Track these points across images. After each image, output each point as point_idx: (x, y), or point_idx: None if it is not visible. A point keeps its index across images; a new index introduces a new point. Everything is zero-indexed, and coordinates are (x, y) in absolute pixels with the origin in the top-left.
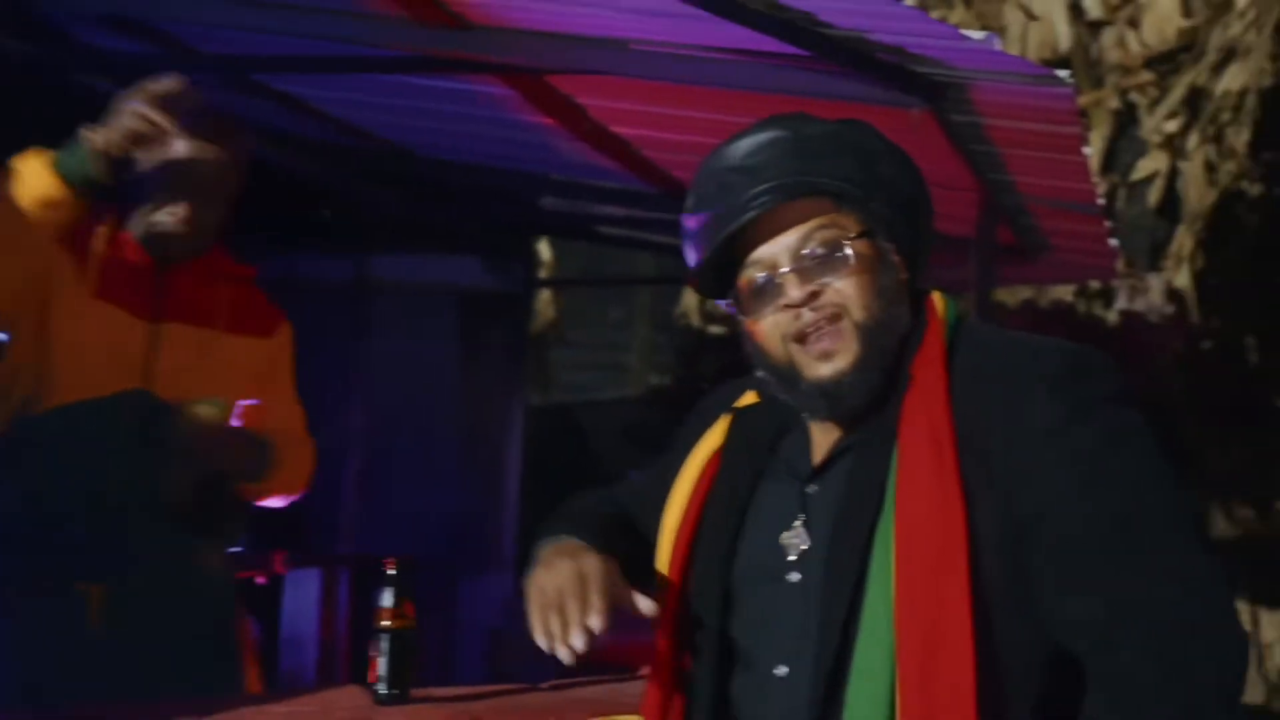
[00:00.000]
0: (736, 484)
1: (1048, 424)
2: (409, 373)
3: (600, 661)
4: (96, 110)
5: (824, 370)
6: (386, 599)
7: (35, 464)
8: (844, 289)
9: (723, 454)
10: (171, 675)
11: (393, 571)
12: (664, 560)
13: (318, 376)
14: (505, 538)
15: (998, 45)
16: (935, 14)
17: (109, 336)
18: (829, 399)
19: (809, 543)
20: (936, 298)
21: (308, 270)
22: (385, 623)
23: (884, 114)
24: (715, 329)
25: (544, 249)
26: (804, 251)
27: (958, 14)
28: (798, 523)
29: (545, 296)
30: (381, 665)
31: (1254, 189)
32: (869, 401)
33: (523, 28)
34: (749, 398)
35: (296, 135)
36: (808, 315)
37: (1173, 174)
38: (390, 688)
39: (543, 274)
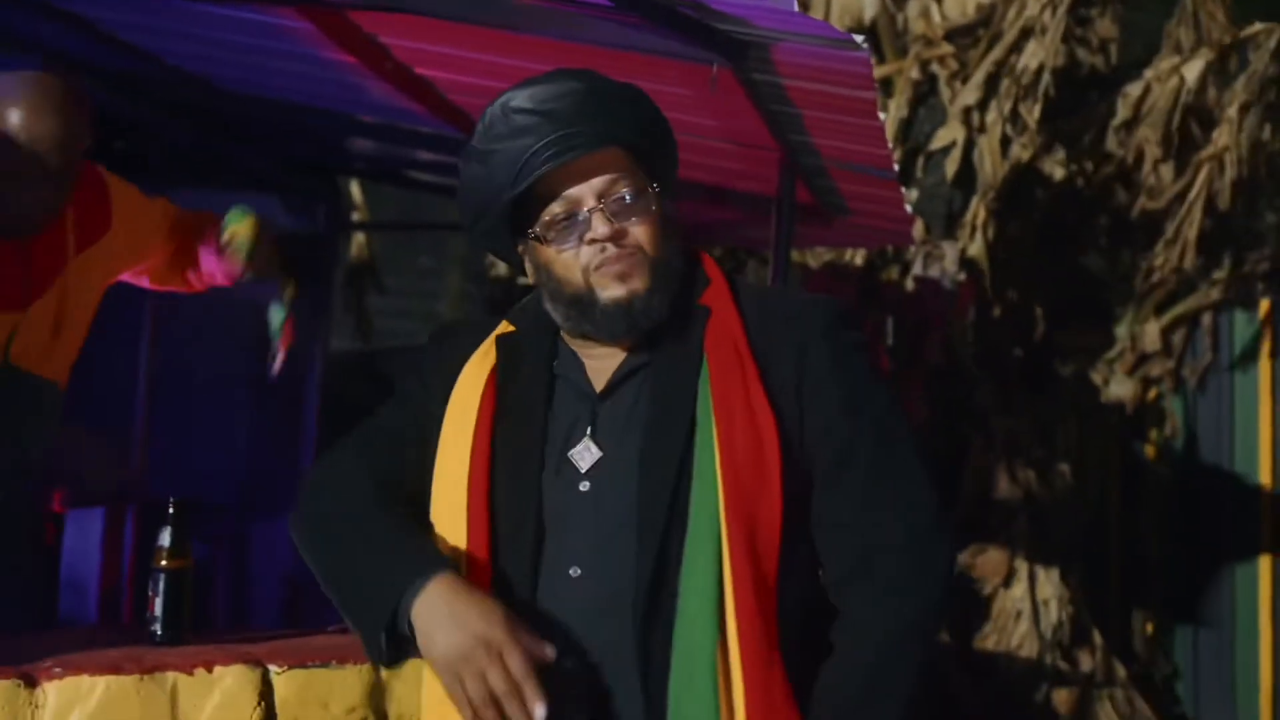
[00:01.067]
0: (530, 400)
1: (827, 363)
2: (203, 313)
3: None
4: None
5: (621, 291)
6: (164, 539)
7: None
8: (642, 232)
9: (499, 377)
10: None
11: (172, 512)
12: (456, 482)
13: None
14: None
15: (795, 7)
16: None
17: None
18: (628, 318)
19: (599, 455)
20: (704, 252)
21: None
22: (163, 562)
23: (685, 69)
24: (524, 279)
25: (356, 192)
26: (613, 195)
27: None
28: (585, 437)
29: (359, 240)
30: (157, 605)
31: (1045, 164)
32: (655, 327)
33: None
34: (505, 327)
35: (84, 60)
36: (611, 250)
37: (969, 145)
38: (165, 628)
39: (356, 217)
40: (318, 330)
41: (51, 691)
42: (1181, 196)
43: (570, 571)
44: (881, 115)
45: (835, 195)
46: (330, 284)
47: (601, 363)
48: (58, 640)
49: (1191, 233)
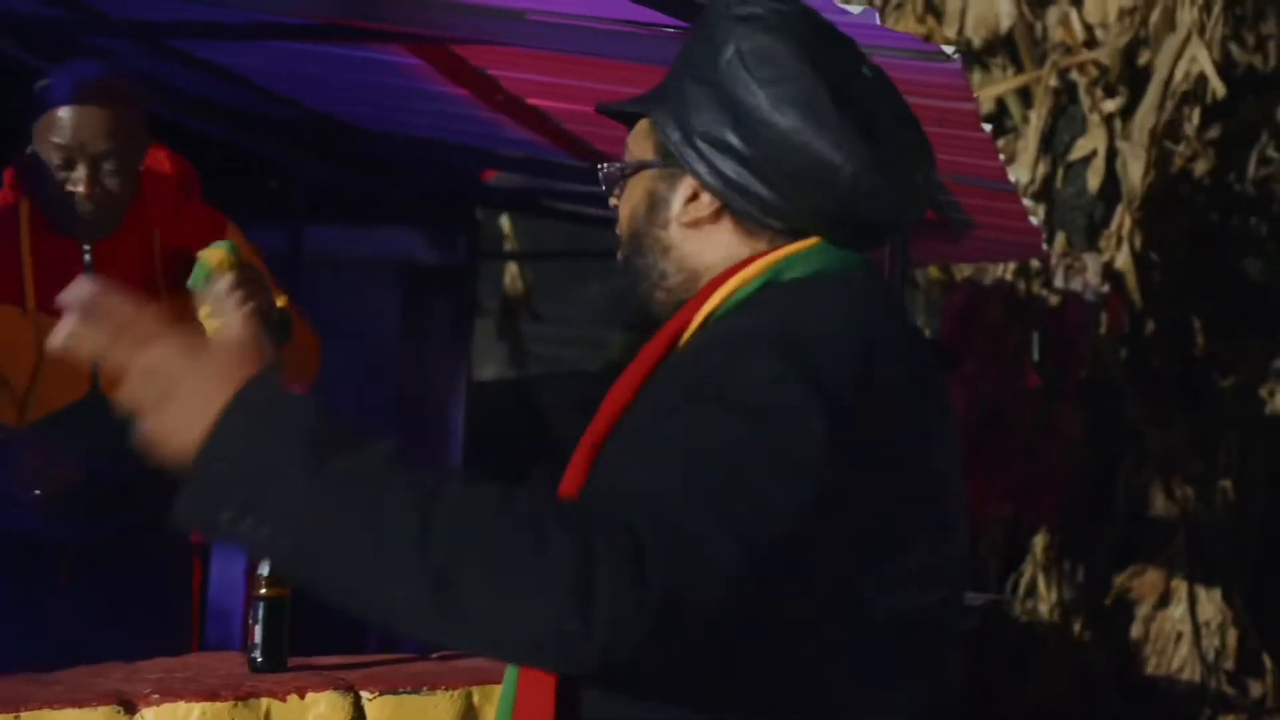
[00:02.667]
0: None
1: (705, 348)
2: (347, 347)
3: None
4: (10, 74)
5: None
6: (265, 568)
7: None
8: (622, 205)
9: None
10: (128, 632)
11: None
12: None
13: None
14: None
15: (876, 20)
16: None
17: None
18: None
19: None
20: (781, 251)
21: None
22: (261, 590)
23: None
24: None
25: (504, 223)
26: (613, 164)
27: None
28: None
29: (514, 270)
30: (257, 633)
31: (1199, 169)
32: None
33: None
34: None
35: (224, 104)
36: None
37: (1111, 153)
38: (265, 656)
39: (506, 247)
40: (459, 360)
41: (150, 717)
42: None
43: None
44: (987, 127)
45: (958, 210)
46: (470, 313)
47: None
48: (167, 666)
49: None
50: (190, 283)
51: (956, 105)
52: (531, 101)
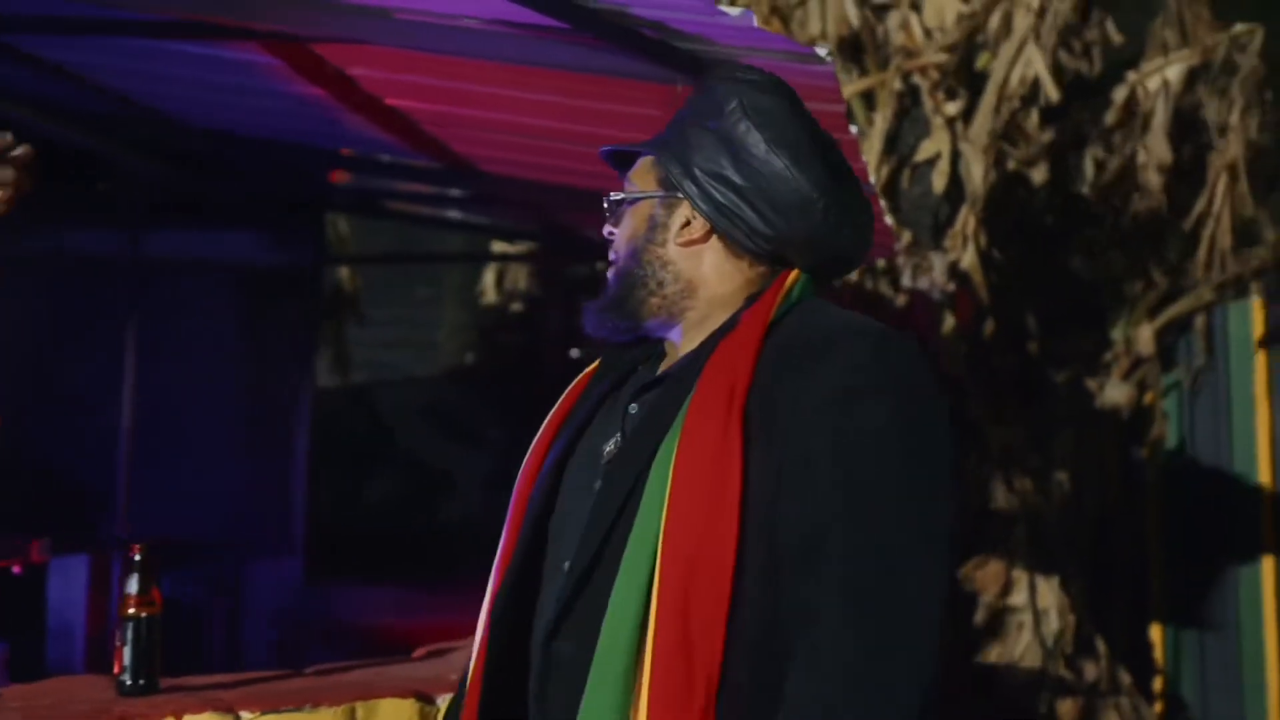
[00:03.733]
0: (581, 408)
1: (826, 396)
2: (188, 352)
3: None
4: None
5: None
6: (132, 585)
7: None
8: (617, 234)
9: (580, 392)
10: None
11: (138, 557)
12: (515, 488)
13: (88, 356)
14: (294, 522)
15: (753, 22)
16: None
17: None
18: (591, 316)
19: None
20: (793, 275)
21: (80, 245)
22: (130, 610)
23: (650, 89)
24: (515, 306)
25: (341, 225)
26: (618, 196)
27: None
28: (617, 436)
29: (345, 274)
30: (126, 654)
31: (1036, 171)
32: (706, 339)
33: None
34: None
35: (61, 103)
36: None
37: (955, 155)
38: (135, 678)
39: (339, 250)
40: (303, 366)
41: None
42: (1184, 206)
43: (564, 564)
44: (853, 129)
45: None
46: (314, 319)
47: (669, 363)
48: (30, 692)
49: (1225, 241)
50: None
51: (827, 107)
52: (390, 102)
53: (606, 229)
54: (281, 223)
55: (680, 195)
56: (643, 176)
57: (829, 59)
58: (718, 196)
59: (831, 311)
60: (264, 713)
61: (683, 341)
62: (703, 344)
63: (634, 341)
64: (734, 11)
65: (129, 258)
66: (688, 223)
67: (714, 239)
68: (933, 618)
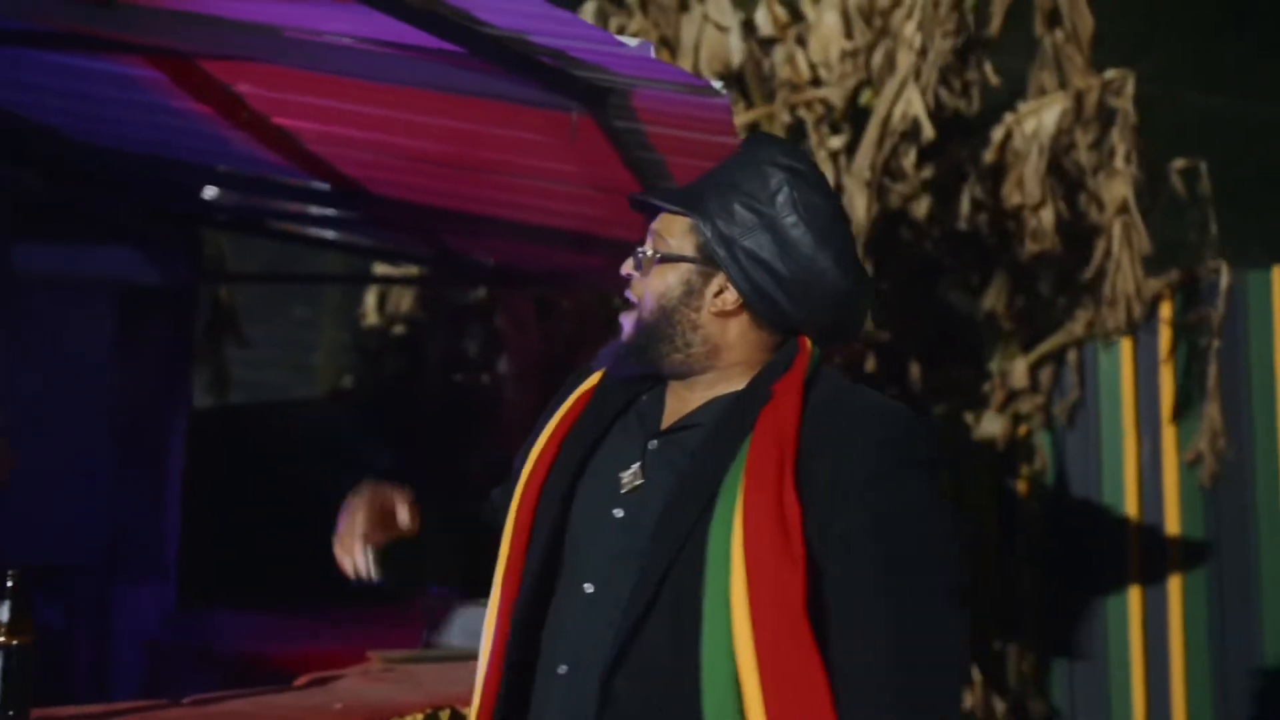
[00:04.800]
0: (586, 431)
1: (866, 474)
2: (59, 370)
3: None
4: None
5: (621, 331)
6: (4, 614)
7: None
8: (641, 286)
9: (584, 409)
10: None
11: (11, 584)
12: (517, 498)
13: None
14: (166, 546)
15: (651, 54)
16: (614, 21)
17: None
18: (609, 355)
19: (641, 482)
20: (810, 345)
21: None
22: (2, 639)
23: (546, 116)
24: (398, 329)
25: (219, 242)
26: (644, 247)
27: (636, 22)
28: (636, 466)
29: (223, 293)
30: None
31: (916, 206)
32: (736, 394)
33: (170, 7)
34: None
35: None
36: (628, 290)
37: (838, 188)
38: (5, 709)
39: (217, 269)
40: (178, 386)
41: None
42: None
43: (585, 586)
44: None
45: None
46: (190, 338)
47: (678, 404)
48: None
49: (1129, 287)
50: None
51: (719, 139)
52: (276, 120)
53: (627, 271)
54: (157, 239)
55: (719, 268)
56: (679, 236)
57: (723, 92)
58: (757, 279)
59: (849, 384)
60: None
61: (694, 392)
62: (737, 405)
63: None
64: (632, 43)
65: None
66: (720, 293)
67: (744, 312)
68: (961, 670)
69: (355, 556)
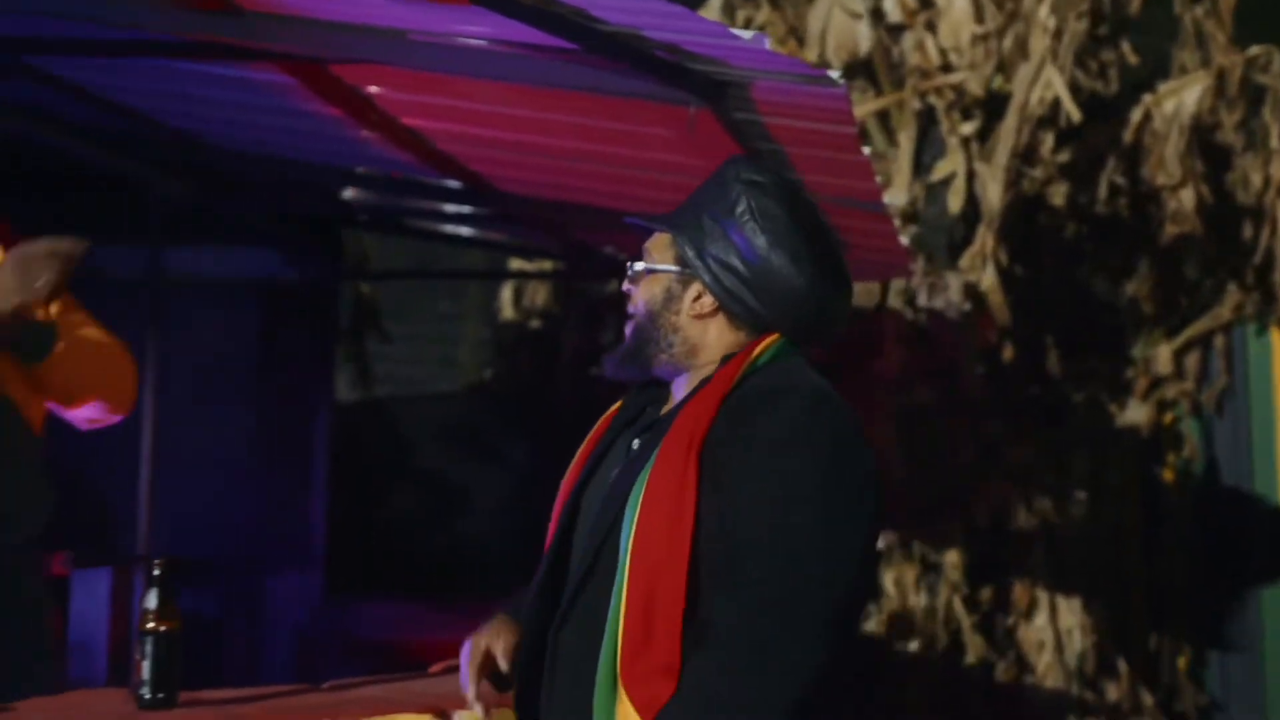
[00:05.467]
0: (604, 440)
1: (749, 458)
2: (208, 368)
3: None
4: None
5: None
6: (151, 600)
7: None
8: (635, 297)
9: (610, 422)
10: None
11: (157, 572)
12: (556, 504)
13: None
14: (313, 537)
15: (767, 45)
16: (741, 13)
17: None
18: (611, 363)
19: None
20: (768, 339)
21: (103, 263)
22: (149, 625)
23: (664, 110)
24: (534, 323)
25: (364, 241)
26: (637, 263)
27: (763, 13)
28: (617, 469)
29: (364, 290)
30: (145, 669)
31: (1053, 192)
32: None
33: (298, 15)
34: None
35: (84, 123)
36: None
37: (970, 175)
38: (155, 691)
39: (359, 267)
40: (322, 381)
41: None
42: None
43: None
44: (866, 150)
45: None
46: (332, 334)
47: (668, 403)
48: (49, 705)
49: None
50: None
51: (838, 129)
52: (406, 121)
53: (625, 286)
54: (300, 240)
55: (694, 275)
56: (661, 250)
57: (840, 82)
58: (725, 281)
59: (789, 372)
60: None
61: (679, 391)
62: (686, 397)
63: (649, 383)
64: (746, 35)
65: (150, 275)
66: (698, 298)
67: (720, 313)
68: (814, 642)
69: (466, 690)
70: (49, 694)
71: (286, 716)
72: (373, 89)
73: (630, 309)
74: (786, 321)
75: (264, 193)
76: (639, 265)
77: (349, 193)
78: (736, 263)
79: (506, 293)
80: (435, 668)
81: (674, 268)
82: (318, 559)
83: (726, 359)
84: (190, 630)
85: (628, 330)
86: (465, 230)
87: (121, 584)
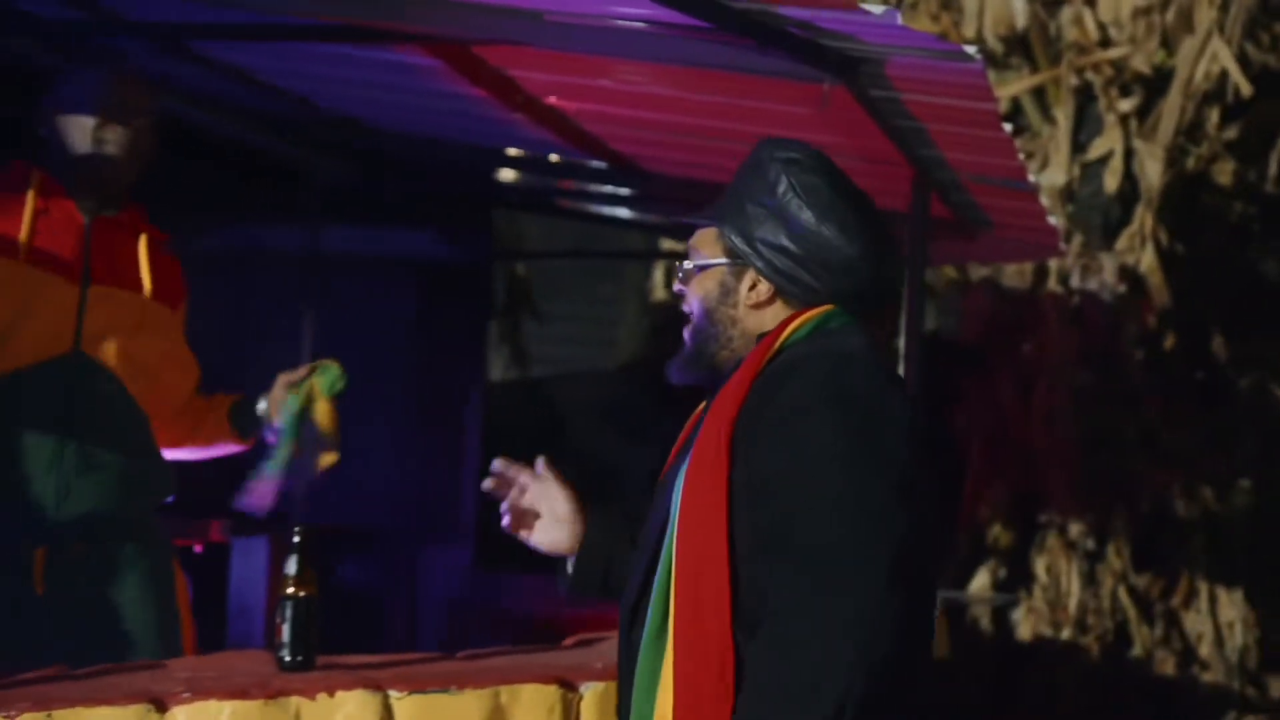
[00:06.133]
0: (688, 438)
1: (772, 426)
2: (365, 346)
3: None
4: (29, 74)
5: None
6: (291, 566)
7: None
8: (689, 297)
9: (698, 417)
10: (112, 638)
11: (297, 539)
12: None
13: (271, 347)
14: (465, 510)
15: (899, 20)
16: None
17: (44, 304)
18: (673, 366)
19: None
20: (801, 317)
21: (261, 242)
22: (289, 590)
23: (799, 88)
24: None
25: (522, 221)
26: (684, 262)
27: None
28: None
29: (519, 270)
30: (285, 632)
31: (1218, 169)
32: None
33: None
34: None
35: (242, 105)
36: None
37: (1128, 153)
38: (294, 654)
39: (515, 247)
40: (475, 359)
41: (181, 715)
42: None
43: None
44: (1007, 127)
45: (975, 209)
46: (485, 313)
47: None
48: (197, 664)
49: None
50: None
51: (977, 105)
52: (549, 101)
53: (677, 288)
54: (454, 219)
55: (746, 263)
56: (709, 245)
57: (977, 57)
58: (778, 264)
59: (826, 338)
60: (411, 692)
61: None
62: (723, 381)
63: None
64: (878, 10)
65: (308, 254)
66: (754, 286)
67: (776, 299)
68: (865, 609)
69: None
70: (170, 656)
71: (416, 683)
72: (516, 70)
73: (685, 309)
74: (843, 293)
75: (419, 173)
76: (688, 264)
77: (501, 173)
78: (787, 242)
79: (659, 273)
80: (567, 640)
81: (724, 260)
82: (469, 533)
83: (760, 337)
84: (349, 599)
85: (686, 334)
86: (613, 210)
87: (279, 551)
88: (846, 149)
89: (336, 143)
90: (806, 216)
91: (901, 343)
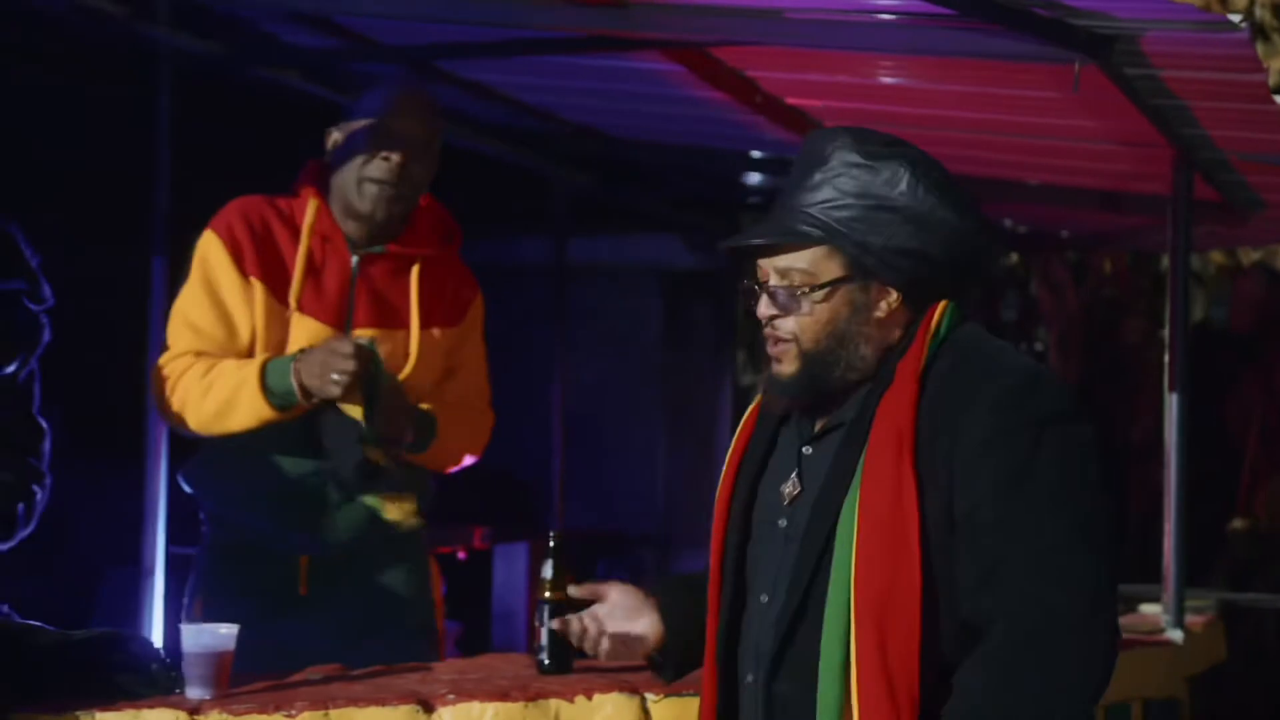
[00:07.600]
0: (757, 445)
1: (982, 438)
2: (614, 353)
3: None
4: (280, 102)
5: (774, 370)
6: (547, 571)
7: (243, 454)
8: (796, 326)
9: (754, 429)
10: (371, 641)
11: (553, 544)
12: (715, 528)
13: (522, 358)
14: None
15: None
16: None
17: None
18: (778, 393)
19: (799, 490)
20: (938, 310)
21: (513, 253)
22: (546, 594)
23: (1048, 71)
24: None
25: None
26: (777, 284)
27: None
28: (794, 476)
29: None
30: (544, 635)
31: None
32: (848, 390)
33: (677, 2)
34: None
35: (488, 121)
36: (769, 330)
37: None
38: (552, 657)
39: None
40: (722, 364)
41: (447, 716)
42: None
43: (760, 597)
44: (1277, 99)
45: (1245, 189)
46: (731, 318)
47: (831, 403)
48: (460, 667)
49: None
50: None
51: (1243, 77)
52: (790, 101)
53: (769, 312)
54: (697, 226)
55: (874, 275)
56: (819, 264)
57: (1243, 26)
58: (904, 266)
59: (980, 348)
60: (666, 695)
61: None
62: (867, 396)
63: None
64: None
65: (556, 264)
66: (884, 297)
67: (904, 305)
68: (1095, 631)
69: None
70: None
71: (677, 685)
72: (755, 71)
73: (783, 335)
74: (968, 280)
75: (662, 180)
76: (792, 286)
77: (745, 177)
78: (928, 247)
79: None
80: None
81: (848, 276)
82: None
83: (901, 343)
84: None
85: (787, 360)
86: None
87: (539, 557)
88: (1100, 133)
89: (581, 153)
90: (928, 205)
91: (1165, 333)
